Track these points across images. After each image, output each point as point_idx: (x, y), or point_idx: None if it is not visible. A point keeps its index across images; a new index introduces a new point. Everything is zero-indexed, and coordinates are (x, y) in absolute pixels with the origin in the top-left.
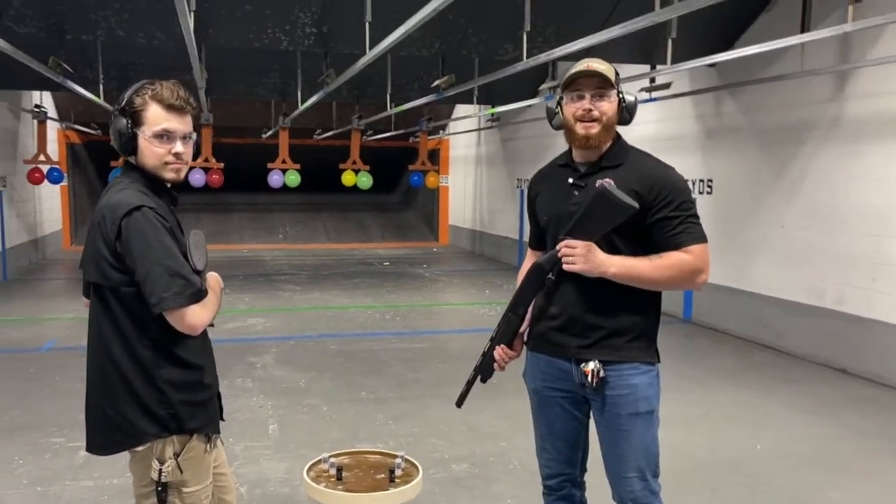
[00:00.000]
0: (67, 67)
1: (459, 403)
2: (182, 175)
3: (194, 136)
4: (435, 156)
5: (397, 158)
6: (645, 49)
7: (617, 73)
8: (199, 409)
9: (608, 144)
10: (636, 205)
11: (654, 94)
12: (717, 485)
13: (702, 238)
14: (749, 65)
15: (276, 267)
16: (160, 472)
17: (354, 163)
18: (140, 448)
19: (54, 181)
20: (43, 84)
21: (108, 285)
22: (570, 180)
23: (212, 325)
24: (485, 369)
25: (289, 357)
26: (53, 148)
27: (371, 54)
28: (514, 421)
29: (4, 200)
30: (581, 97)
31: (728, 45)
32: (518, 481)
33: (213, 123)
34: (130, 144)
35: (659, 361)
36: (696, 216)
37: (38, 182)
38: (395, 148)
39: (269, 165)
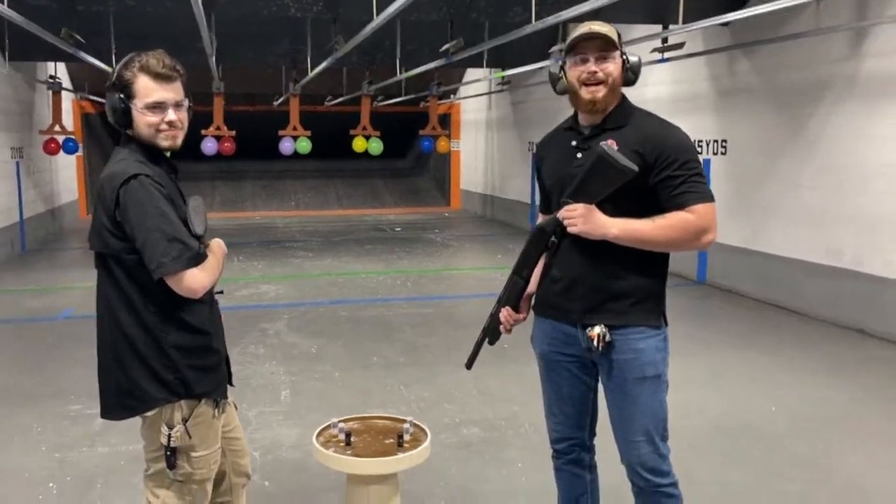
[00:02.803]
0: (79, 38)
1: (469, 365)
2: (178, 142)
3: (186, 102)
4: (446, 120)
5: (409, 123)
6: (657, 9)
7: (619, 35)
8: (206, 373)
9: (612, 106)
10: (635, 168)
11: (667, 55)
12: (729, 449)
13: (706, 197)
14: (763, 23)
15: (289, 234)
16: (169, 436)
17: (365, 129)
18: (150, 413)
19: (70, 151)
20: (57, 55)
21: (111, 253)
22: (574, 143)
23: (220, 292)
24: (492, 332)
25: (300, 323)
26: (68, 118)
27: (378, 19)
28: (527, 385)
29: (22, 171)
30: (585, 60)
31: (741, 4)
32: (529, 445)
33: (224, 91)
34: (125, 118)
35: (666, 325)
36: (700, 175)
37: (53, 152)
38: (406, 113)
39: (280, 132)
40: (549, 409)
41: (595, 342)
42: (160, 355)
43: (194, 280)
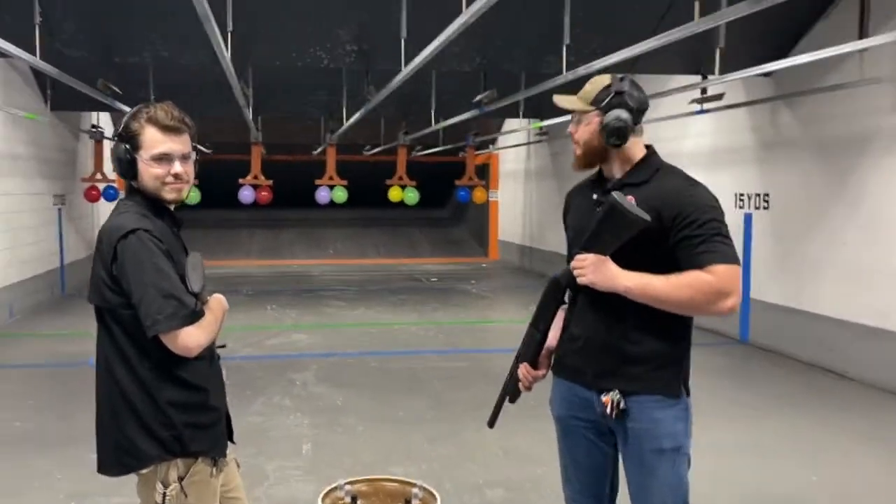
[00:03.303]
0: (116, 89)
1: (491, 424)
2: (184, 195)
3: (194, 154)
4: (484, 170)
5: (447, 173)
6: (694, 59)
7: (608, 88)
8: (203, 431)
9: (633, 160)
10: (647, 217)
11: (706, 106)
12: None
13: (728, 258)
14: (806, 74)
15: (324, 282)
16: (164, 495)
17: (401, 178)
18: (145, 471)
19: (109, 198)
20: (96, 105)
21: (108, 307)
22: (595, 196)
23: (223, 346)
24: (511, 389)
25: (329, 374)
26: (109, 166)
27: (406, 70)
28: (553, 445)
29: (63, 217)
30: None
31: (783, 54)
32: None
33: (264, 141)
34: (131, 169)
35: (688, 394)
36: (723, 236)
37: (94, 199)
38: (445, 163)
39: (317, 182)
40: (565, 477)
41: (608, 409)
42: (155, 412)
43: (189, 338)
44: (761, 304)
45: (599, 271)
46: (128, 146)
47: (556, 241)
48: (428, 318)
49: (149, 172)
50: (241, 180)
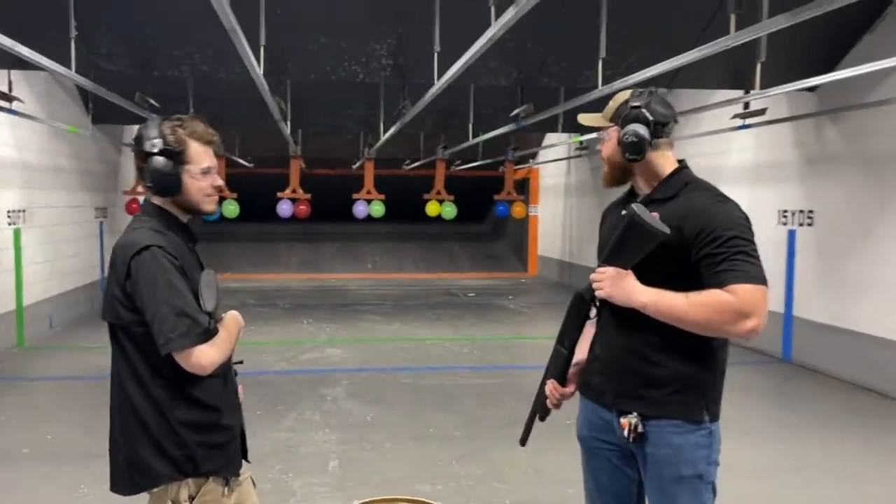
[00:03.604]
0: (153, 102)
1: (523, 442)
2: (216, 206)
3: None
4: (524, 185)
5: (487, 188)
6: (736, 73)
7: (626, 103)
8: (216, 451)
9: (662, 175)
10: (667, 230)
11: (749, 121)
12: None
13: (752, 278)
14: (852, 89)
15: (361, 297)
16: None
17: (438, 193)
18: (155, 490)
19: None
20: (139, 119)
21: (121, 325)
22: (624, 212)
23: (240, 362)
24: (540, 407)
25: (360, 389)
26: None
27: (438, 85)
28: None
29: (105, 230)
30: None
31: (828, 69)
32: None
33: (303, 155)
34: (176, 184)
35: (713, 420)
36: (748, 254)
37: (135, 212)
38: (484, 177)
39: (354, 196)
40: (589, 501)
41: (626, 432)
42: (168, 431)
43: (203, 356)
44: (804, 321)
45: (618, 285)
46: (172, 161)
47: (596, 256)
48: (464, 333)
49: (196, 186)
50: (279, 194)
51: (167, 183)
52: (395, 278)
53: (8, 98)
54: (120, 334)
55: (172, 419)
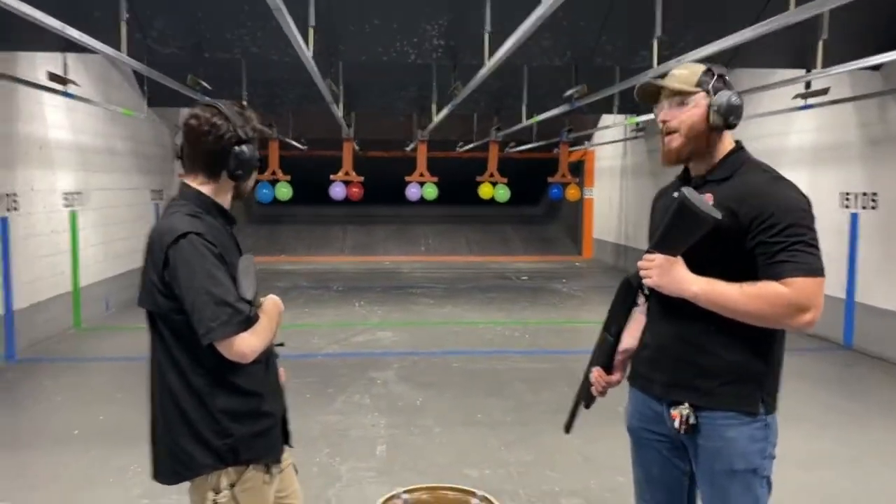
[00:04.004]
0: (206, 85)
1: (567, 429)
2: None
3: None
4: (579, 167)
5: (541, 170)
6: (798, 52)
7: (709, 70)
8: (257, 439)
9: (719, 156)
10: (718, 215)
11: (810, 101)
12: None
13: (810, 270)
14: None
15: (414, 279)
16: (215, 502)
17: (492, 175)
18: (196, 478)
19: None
20: (193, 102)
21: (160, 312)
22: (675, 195)
23: (281, 344)
24: (585, 394)
25: (410, 373)
26: None
27: (489, 66)
28: None
29: (160, 213)
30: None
31: (894, 46)
32: None
33: (357, 137)
34: (257, 169)
35: (769, 412)
36: (807, 244)
37: None
38: (539, 160)
39: (407, 178)
40: (639, 494)
41: (677, 423)
42: (209, 420)
43: (244, 345)
44: (866, 307)
45: (667, 273)
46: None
47: None
48: (515, 317)
49: (254, 176)
50: (332, 176)
51: (247, 170)
52: (448, 261)
53: (63, 81)
54: (158, 322)
55: (213, 408)
